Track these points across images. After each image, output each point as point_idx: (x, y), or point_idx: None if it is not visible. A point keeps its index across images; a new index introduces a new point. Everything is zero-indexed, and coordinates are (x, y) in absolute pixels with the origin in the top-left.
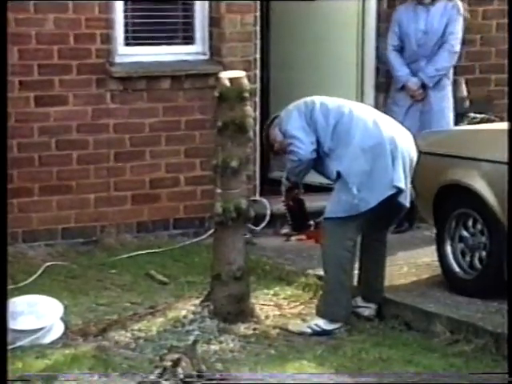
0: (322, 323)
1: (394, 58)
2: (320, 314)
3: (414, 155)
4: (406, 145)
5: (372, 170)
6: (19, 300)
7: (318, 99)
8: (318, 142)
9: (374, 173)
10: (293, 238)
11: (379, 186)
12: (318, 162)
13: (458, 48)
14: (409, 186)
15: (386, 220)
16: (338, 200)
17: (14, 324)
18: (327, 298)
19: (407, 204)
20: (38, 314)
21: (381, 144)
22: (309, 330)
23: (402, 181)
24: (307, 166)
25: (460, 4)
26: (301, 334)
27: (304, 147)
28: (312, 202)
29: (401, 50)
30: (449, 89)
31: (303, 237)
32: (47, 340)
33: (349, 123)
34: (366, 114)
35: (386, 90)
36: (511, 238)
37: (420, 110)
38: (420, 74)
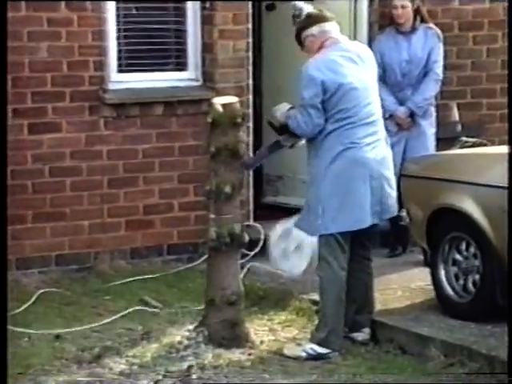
0: (317, 347)
1: (379, 88)
2: (315, 341)
3: (388, 173)
4: (378, 162)
5: (345, 193)
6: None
7: (348, 79)
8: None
9: (347, 197)
10: (299, 144)
11: (349, 214)
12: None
13: (441, 75)
14: (391, 196)
15: (367, 237)
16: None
17: None
18: (324, 327)
19: (391, 214)
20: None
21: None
22: (304, 354)
23: (369, 218)
24: (309, 135)
25: (439, 31)
26: (296, 358)
27: (311, 126)
28: None
29: (384, 79)
30: (434, 115)
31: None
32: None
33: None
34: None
35: None
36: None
37: (406, 136)
38: (408, 103)
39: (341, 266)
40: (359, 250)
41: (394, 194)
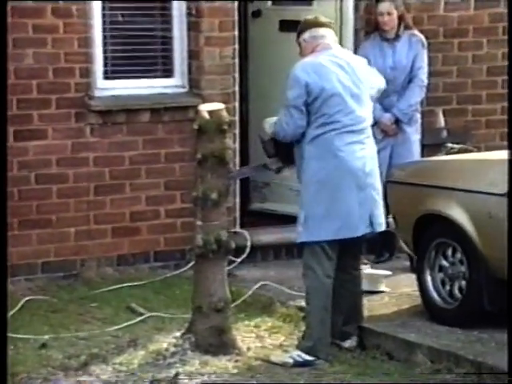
0: (304, 354)
1: None
2: (298, 346)
3: (374, 181)
4: (364, 172)
5: (331, 201)
6: None
7: (331, 84)
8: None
9: (333, 205)
10: (285, 170)
11: (335, 222)
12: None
13: (426, 81)
14: (379, 207)
15: (359, 247)
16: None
17: None
18: (310, 336)
19: (380, 228)
20: None
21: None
22: (290, 361)
23: (361, 227)
24: (291, 139)
25: (423, 37)
26: (283, 364)
27: (292, 127)
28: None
29: None
30: (420, 121)
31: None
32: None
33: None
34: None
35: None
36: (511, 257)
37: (392, 143)
38: (394, 110)
39: (326, 274)
40: (349, 260)
41: (381, 204)
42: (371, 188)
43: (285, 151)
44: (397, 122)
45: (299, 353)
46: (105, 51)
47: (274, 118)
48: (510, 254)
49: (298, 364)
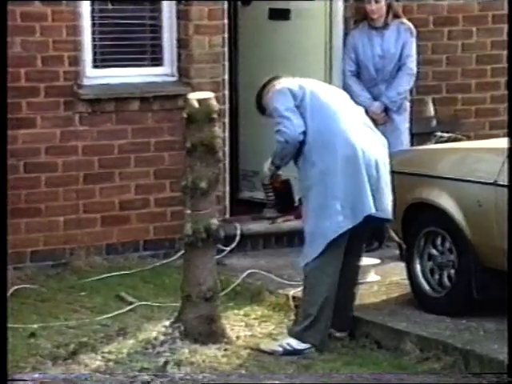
0: (293, 343)
1: (353, 84)
2: (293, 334)
3: (384, 168)
4: (375, 158)
5: (352, 185)
6: None
7: (310, 86)
8: (305, 129)
9: (353, 189)
10: (279, 220)
11: (357, 204)
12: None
13: (415, 70)
14: (388, 197)
15: (365, 235)
16: (313, 232)
17: None
18: (304, 320)
19: (388, 216)
20: None
21: (356, 157)
22: (280, 349)
23: (371, 205)
24: (293, 148)
25: (411, 26)
26: (272, 353)
27: (292, 128)
28: None
29: (358, 75)
30: (408, 110)
31: (290, 217)
32: None
33: (333, 125)
34: (347, 120)
35: None
36: (511, 248)
37: (381, 131)
38: (383, 98)
39: (332, 265)
40: (355, 248)
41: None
42: (377, 175)
43: (284, 197)
44: (386, 110)
45: (289, 341)
46: (94, 39)
47: (268, 159)
48: (510, 246)
49: (288, 352)
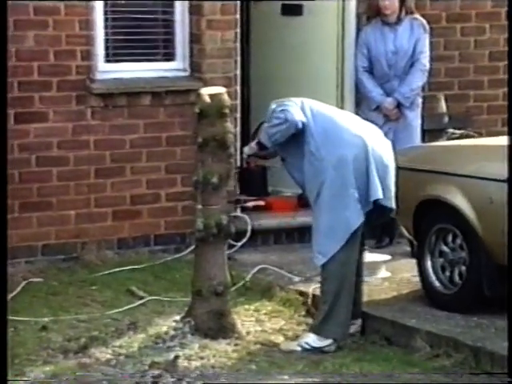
0: (311, 341)
1: (366, 80)
2: (314, 329)
3: (390, 160)
4: (382, 151)
5: (362, 173)
6: None
7: (306, 100)
8: (304, 137)
9: (364, 177)
10: (249, 204)
11: (367, 191)
12: (298, 163)
13: (428, 66)
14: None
15: (371, 224)
16: (332, 226)
17: None
18: (326, 315)
19: (392, 206)
20: None
21: (365, 146)
22: (298, 349)
23: (380, 191)
24: (286, 131)
25: (425, 22)
26: (291, 352)
27: (296, 112)
28: None
29: (370, 70)
30: (421, 106)
31: (261, 203)
32: None
33: (338, 123)
34: (350, 120)
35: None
36: (511, 249)
37: (394, 128)
38: (396, 94)
39: (352, 258)
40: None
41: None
42: (385, 166)
43: (255, 181)
44: (398, 106)
45: (307, 340)
46: (106, 34)
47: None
48: (510, 240)
49: (306, 351)
